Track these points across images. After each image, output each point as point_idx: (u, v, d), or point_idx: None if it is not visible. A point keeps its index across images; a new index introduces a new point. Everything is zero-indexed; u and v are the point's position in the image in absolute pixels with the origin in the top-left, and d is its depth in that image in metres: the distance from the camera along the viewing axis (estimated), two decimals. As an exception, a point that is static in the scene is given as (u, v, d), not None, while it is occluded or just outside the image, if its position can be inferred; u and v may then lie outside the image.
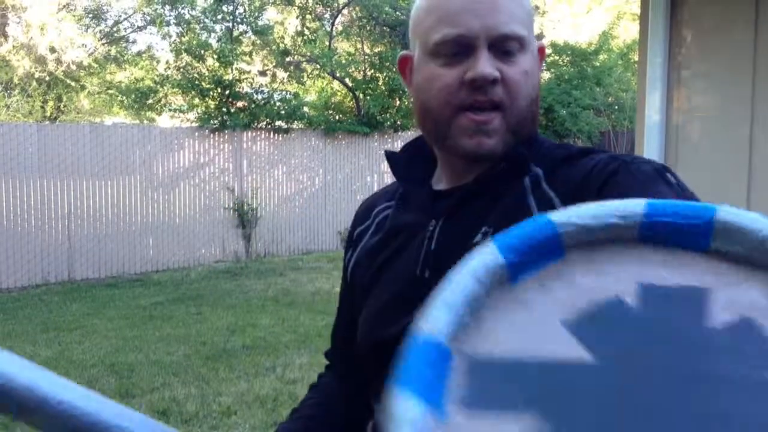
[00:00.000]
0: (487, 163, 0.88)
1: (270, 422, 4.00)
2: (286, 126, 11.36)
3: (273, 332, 6.12)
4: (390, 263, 0.96)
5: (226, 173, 10.51)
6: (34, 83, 14.80)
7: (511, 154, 0.88)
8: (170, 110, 12.15)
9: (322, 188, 11.44)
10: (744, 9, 3.02)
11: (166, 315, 6.96)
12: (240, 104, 11.57)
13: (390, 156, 1.00)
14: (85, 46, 15.79)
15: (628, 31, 15.78)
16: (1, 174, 8.47)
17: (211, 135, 10.39)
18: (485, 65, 0.84)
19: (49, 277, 8.78)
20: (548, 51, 14.64)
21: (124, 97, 13.62)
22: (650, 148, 3.33)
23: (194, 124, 10.78)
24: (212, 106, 11.22)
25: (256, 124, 10.99)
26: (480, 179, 0.89)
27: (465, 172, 0.91)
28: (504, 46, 0.86)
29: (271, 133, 11.08)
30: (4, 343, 5.91)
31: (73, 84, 15.40)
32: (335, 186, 11.52)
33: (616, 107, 13.75)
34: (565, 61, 14.21)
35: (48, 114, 15.31)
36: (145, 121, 14.72)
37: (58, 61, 14.68)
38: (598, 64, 13.90)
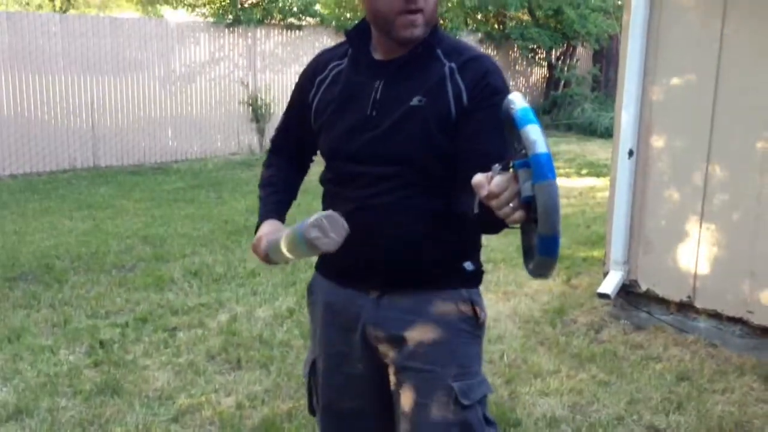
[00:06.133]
0: (411, 44, 1.44)
1: (289, 282, 4.56)
2: (298, 22, 11.52)
3: (289, 213, 6.64)
4: (348, 105, 1.51)
5: (240, 68, 10.81)
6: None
7: (424, 42, 1.46)
8: (184, 5, 12.28)
9: (333, 86, 11.71)
10: None
11: (188, 198, 7.50)
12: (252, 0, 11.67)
13: (347, 33, 1.55)
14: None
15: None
16: (29, 67, 8.85)
17: (226, 30, 10.62)
18: None
19: (75, 163, 9.31)
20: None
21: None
22: (633, 49, 3.69)
23: (209, 20, 10.97)
24: (226, 1, 11.36)
25: (269, 20, 11.17)
26: (407, 57, 1.46)
27: (395, 48, 1.47)
28: None
29: (284, 29, 11.28)
30: (43, 218, 6.49)
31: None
32: (346, 84, 11.77)
33: (626, 11, 13.71)
34: (578, -38, 14.07)
35: (57, 6, 15.35)
36: (152, 16, 14.77)
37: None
38: (610, -35, 13.80)
